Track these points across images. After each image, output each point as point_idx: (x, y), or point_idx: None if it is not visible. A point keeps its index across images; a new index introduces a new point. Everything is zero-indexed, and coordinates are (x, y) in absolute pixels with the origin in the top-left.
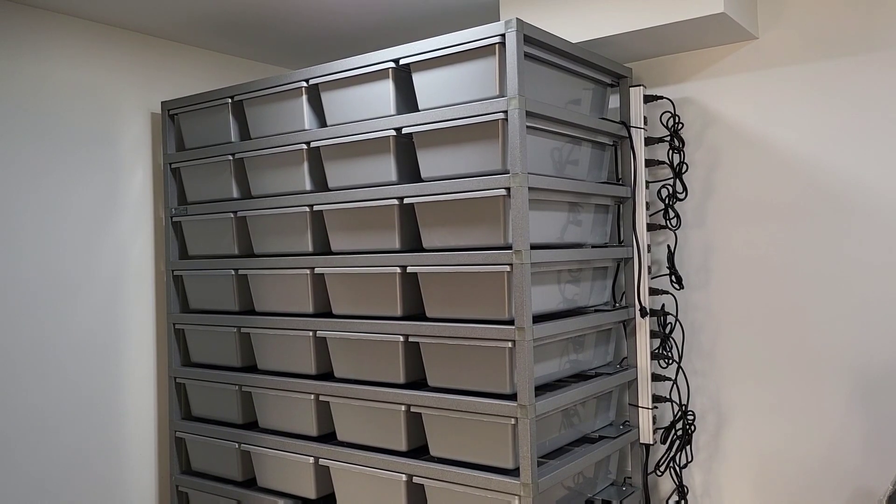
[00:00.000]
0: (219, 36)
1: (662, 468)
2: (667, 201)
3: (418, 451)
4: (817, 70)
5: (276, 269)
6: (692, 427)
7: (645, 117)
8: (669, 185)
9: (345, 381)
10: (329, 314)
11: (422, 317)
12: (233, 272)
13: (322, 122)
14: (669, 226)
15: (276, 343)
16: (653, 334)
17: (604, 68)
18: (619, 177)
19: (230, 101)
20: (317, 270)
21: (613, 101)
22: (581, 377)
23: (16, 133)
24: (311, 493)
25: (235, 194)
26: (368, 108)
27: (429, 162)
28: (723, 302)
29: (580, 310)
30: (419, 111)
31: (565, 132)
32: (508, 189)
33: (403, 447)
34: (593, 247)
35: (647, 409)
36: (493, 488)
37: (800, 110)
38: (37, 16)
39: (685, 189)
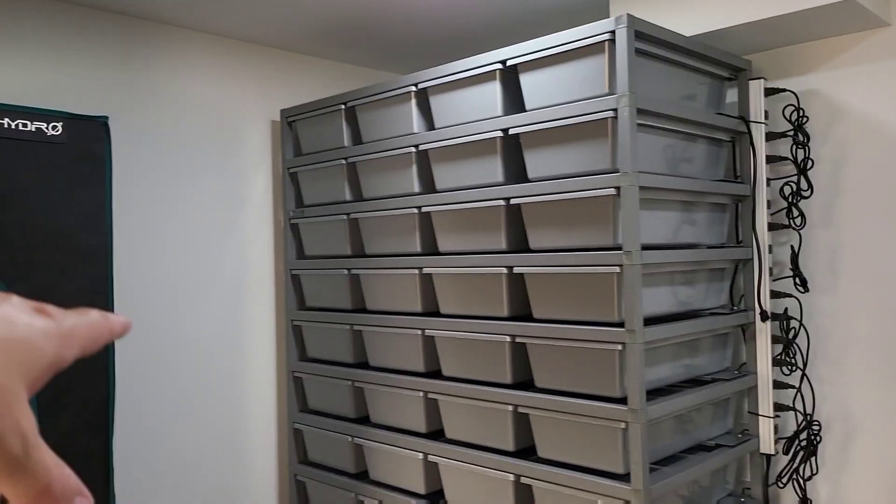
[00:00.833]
0: (333, 45)
1: (785, 480)
2: (790, 199)
3: (527, 451)
4: None
5: (386, 268)
6: (817, 437)
7: (766, 111)
8: (793, 182)
9: (453, 380)
10: (437, 313)
11: (529, 317)
12: (346, 272)
13: (430, 126)
14: (793, 225)
15: (386, 340)
16: (774, 339)
17: (720, 61)
18: (738, 174)
19: (343, 107)
20: (425, 270)
21: (731, 95)
22: (696, 382)
23: (152, 143)
24: (420, 489)
25: (348, 197)
26: (476, 110)
27: (536, 162)
28: (852, 306)
29: (695, 312)
30: (526, 112)
31: (679, 129)
32: (618, 188)
33: (511, 447)
34: (709, 247)
35: (769, 417)
36: (603, 493)
37: None
38: (170, 33)
39: (810, 186)
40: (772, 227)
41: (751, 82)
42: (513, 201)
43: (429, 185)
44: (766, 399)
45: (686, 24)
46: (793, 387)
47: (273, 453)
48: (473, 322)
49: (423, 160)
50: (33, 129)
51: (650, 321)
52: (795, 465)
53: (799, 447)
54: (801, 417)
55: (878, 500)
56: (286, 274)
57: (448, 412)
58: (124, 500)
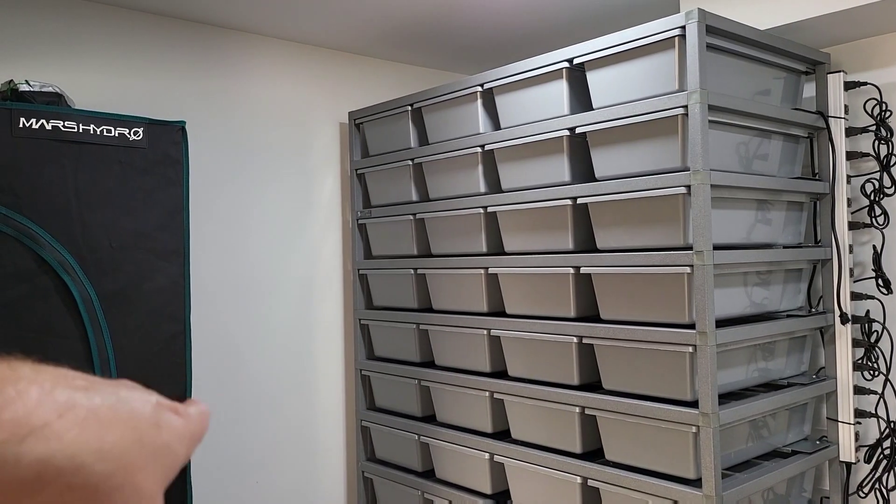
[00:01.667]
0: (400, 47)
1: (867, 489)
2: (872, 197)
3: (594, 453)
4: None
5: (452, 268)
6: None
7: (846, 106)
8: (875, 179)
9: (518, 380)
10: (503, 313)
11: (596, 318)
12: (412, 271)
13: (496, 125)
14: (875, 224)
15: (452, 340)
16: (855, 343)
17: (797, 55)
18: (816, 171)
19: (410, 108)
20: (490, 270)
21: (809, 89)
22: (771, 387)
23: (227, 146)
24: (486, 489)
25: (415, 197)
26: (542, 109)
27: (603, 161)
28: None
29: (770, 314)
30: (593, 110)
31: (752, 125)
32: (688, 187)
33: (578, 449)
34: (785, 247)
35: (849, 424)
36: (674, 498)
37: None
38: (243, 39)
39: (894, 183)
40: (852, 226)
41: (829, 76)
42: (580, 201)
43: (495, 185)
44: (846, 405)
45: (760, 17)
46: (875, 392)
47: (342, 450)
48: (539, 322)
49: (489, 160)
50: (116, 135)
51: (723, 323)
52: (878, 475)
53: (882, 455)
54: (884, 425)
55: None
56: (354, 273)
57: (514, 413)
58: (200, 497)
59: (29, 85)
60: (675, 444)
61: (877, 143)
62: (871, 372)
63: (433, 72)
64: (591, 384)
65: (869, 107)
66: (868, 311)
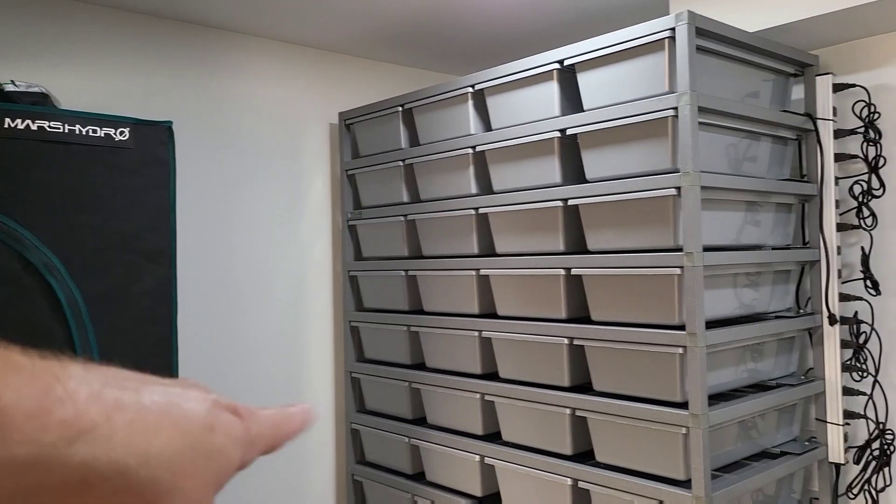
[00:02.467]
0: (390, 48)
1: (855, 491)
2: (860, 199)
3: (584, 455)
4: None
5: (443, 270)
6: (891, 447)
7: (834, 108)
8: (863, 181)
9: (510, 382)
10: (494, 315)
11: (587, 319)
12: (403, 273)
13: (487, 127)
14: (863, 226)
15: (443, 342)
16: (844, 344)
17: (786, 57)
18: (804, 173)
19: (400, 109)
20: (482, 272)
21: (797, 91)
22: (760, 388)
23: (215, 146)
24: (477, 491)
25: (405, 198)
26: (533, 110)
27: (594, 162)
28: None
29: (759, 316)
30: (584, 111)
31: (742, 127)
32: (679, 188)
33: (569, 451)
34: (774, 248)
35: (838, 425)
36: (663, 499)
37: None
38: (231, 39)
39: (882, 185)
40: (841, 227)
41: (818, 78)
42: (570, 202)
43: (486, 187)
44: (834, 406)
45: (749, 19)
46: (864, 393)
47: (331, 453)
48: (531, 324)
49: (480, 161)
50: (102, 135)
51: (712, 324)
52: (867, 476)
53: (871, 457)
54: (872, 426)
55: None
56: (344, 275)
57: (505, 414)
58: None
59: (14, 85)
60: (664, 445)
61: (865, 144)
62: (860, 373)
63: (424, 72)
64: (582, 386)
65: (857, 109)
66: (856, 313)
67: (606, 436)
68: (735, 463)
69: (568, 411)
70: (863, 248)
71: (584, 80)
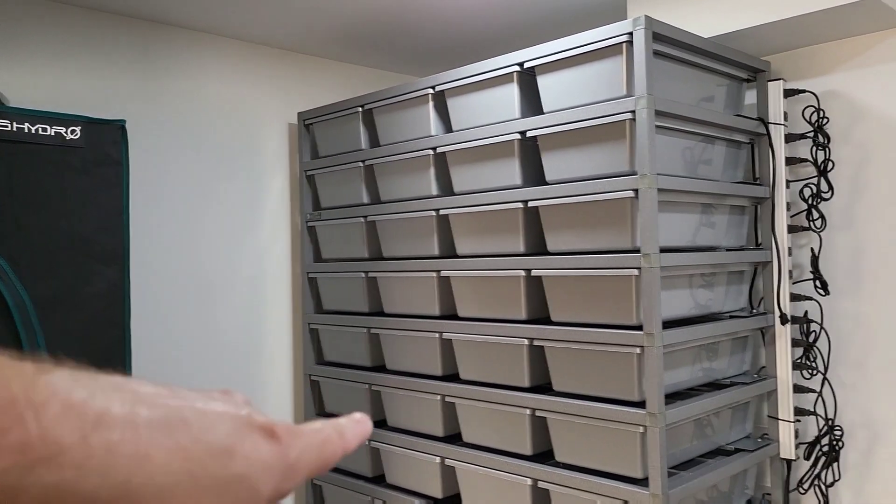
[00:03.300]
0: (350, 48)
1: (806, 486)
2: (810, 201)
3: (544, 455)
4: None
5: (404, 271)
6: (840, 443)
7: (785, 112)
8: (813, 184)
9: (470, 383)
10: (455, 316)
11: (547, 320)
12: (363, 275)
13: (448, 128)
14: (813, 227)
15: (403, 344)
16: (795, 343)
17: (739, 63)
18: (757, 176)
19: (361, 109)
20: (443, 273)
21: (750, 96)
22: (715, 386)
23: (170, 146)
24: (437, 493)
25: (366, 199)
26: (493, 112)
27: (554, 165)
28: (874, 309)
29: (714, 316)
30: (544, 114)
31: (697, 131)
32: (636, 191)
33: (528, 451)
34: (728, 250)
35: (789, 422)
36: (621, 497)
37: None
38: (187, 37)
39: (831, 188)
40: (791, 229)
41: (770, 83)
42: (531, 204)
43: (446, 188)
44: (786, 403)
45: (704, 25)
46: (814, 391)
47: None
48: (491, 325)
49: (441, 163)
50: (52, 134)
51: (669, 324)
52: (817, 471)
53: (821, 452)
54: (822, 422)
55: None
56: (303, 277)
57: (465, 416)
58: None
59: None
60: (622, 444)
61: (814, 148)
62: (810, 371)
63: (384, 73)
64: (542, 386)
65: (807, 114)
66: (806, 312)
67: (566, 436)
68: (691, 460)
69: (528, 412)
70: (812, 250)
71: (543, 82)
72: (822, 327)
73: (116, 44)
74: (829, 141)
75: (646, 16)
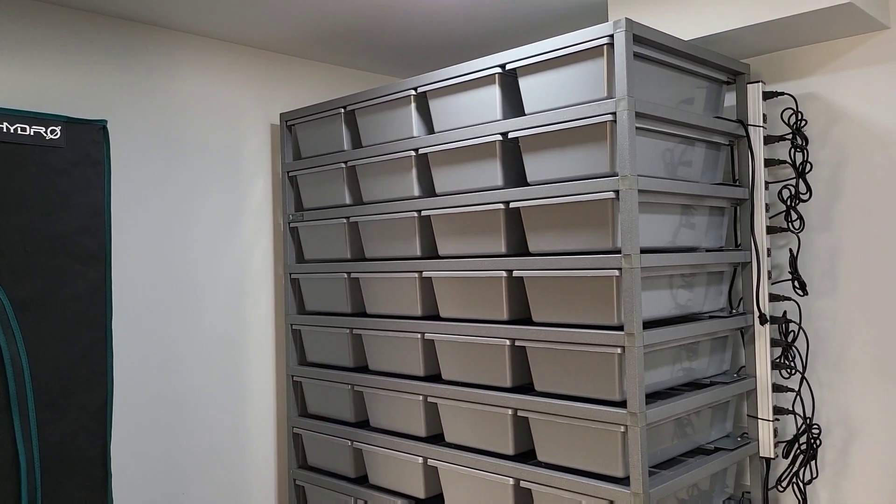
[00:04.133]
0: (332, 49)
1: (785, 484)
2: (788, 203)
3: (526, 455)
4: None
5: (386, 272)
6: (817, 441)
7: (764, 115)
8: (791, 185)
9: (452, 384)
10: (437, 317)
11: (528, 321)
12: (345, 275)
13: (430, 129)
14: (791, 228)
15: (385, 344)
16: (773, 343)
17: (719, 65)
18: (736, 177)
19: (343, 110)
20: (424, 274)
21: (730, 98)
22: (695, 386)
23: (152, 146)
24: (420, 493)
25: (348, 200)
26: (475, 113)
27: (535, 166)
28: (851, 309)
29: (694, 316)
30: (525, 115)
31: (677, 132)
32: (617, 192)
33: (511, 451)
34: (708, 250)
35: (768, 421)
36: (603, 496)
37: None
38: (170, 37)
39: (809, 190)
40: (770, 230)
41: (749, 86)
42: (512, 205)
43: (428, 189)
44: (765, 402)
45: (684, 28)
46: (792, 390)
47: (272, 458)
48: (473, 326)
49: (423, 164)
50: (32, 134)
51: (649, 324)
52: (795, 469)
53: (799, 451)
54: (800, 421)
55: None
56: (285, 277)
57: (448, 416)
58: None
59: None
60: (604, 443)
61: (793, 150)
62: (789, 370)
63: (366, 74)
64: (524, 386)
65: (786, 116)
66: (785, 312)
67: (547, 435)
68: (671, 459)
69: (510, 412)
70: (791, 251)
71: (525, 84)
72: (800, 327)
73: (99, 44)
74: (807, 143)
75: (626, 18)
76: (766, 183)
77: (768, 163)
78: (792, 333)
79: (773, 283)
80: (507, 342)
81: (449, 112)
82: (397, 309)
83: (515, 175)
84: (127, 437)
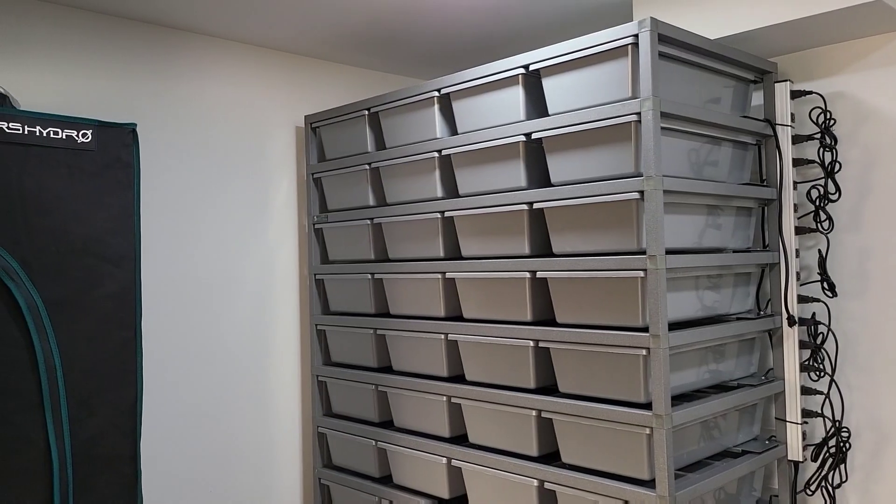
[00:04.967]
0: (356, 51)
1: (813, 487)
2: (817, 203)
3: (550, 456)
4: None
5: (409, 273)
6: (847, 445)
7: (792, 114)
8: (820, 185)
9: (476, 385)
10: (460, 318)
11: (552, 322)
12: (369, 276)
13: (453, 130)
14: (820, 229)
15: (409, 345)
16: (802, 345)
17: (745, 64)
18: (764, 177)
19: (367, 112)
20: (448, 275)
21: (757, 98)
22: (722, 388)
23: (179, 150)
24: (444, 493)
25: (371, 202)
26: (498, 114)
27: (559, 166)
28: (881, 311)
29: (720, 317)
30: (549, 116)
31: (703, 132)
32: (642, 192)
33: (535, 452)
34: (735, 251)
35: (797, 424)
36: (628, 499)
37: None
38: (197, 41)
39: (838, 190)
40: (799, 230)
41: (777, 85)
42: (536, 205)
43: (452, 190)
44: (793, 405)
45: (710, 26)
46: (821, 393)
47: (298, 457)
48: (496, 327)
49: (446, 165)
50: (64, 137)
51: (675, 326)
52: (824, 473)
53: (828, 454)
54: (829, 424)
55: None
56: (310, 278)
57: (471, 417)
58: None
59: None
60: (629, 445)
61: (821, 150)
62: (817, 373)
63: (390, 76)
64: (548, 387)
65: (814, 115)
66: (814, 314)
67: (572, 437)
68: (698, 462)
69: (534, 413)
70: (820, 251)
71: (549, 84)
72: (829, 329)
73: (127, 48)
74: (836, 142)
75: (651, 17)
76: (795, 183)
77: (796, 162)
78: (821, 335)
79: (801, 285)
80: (531, 343)
81: (472, 113)
82: (421, 310)
83: (539, 176)
84: (155, 435)
